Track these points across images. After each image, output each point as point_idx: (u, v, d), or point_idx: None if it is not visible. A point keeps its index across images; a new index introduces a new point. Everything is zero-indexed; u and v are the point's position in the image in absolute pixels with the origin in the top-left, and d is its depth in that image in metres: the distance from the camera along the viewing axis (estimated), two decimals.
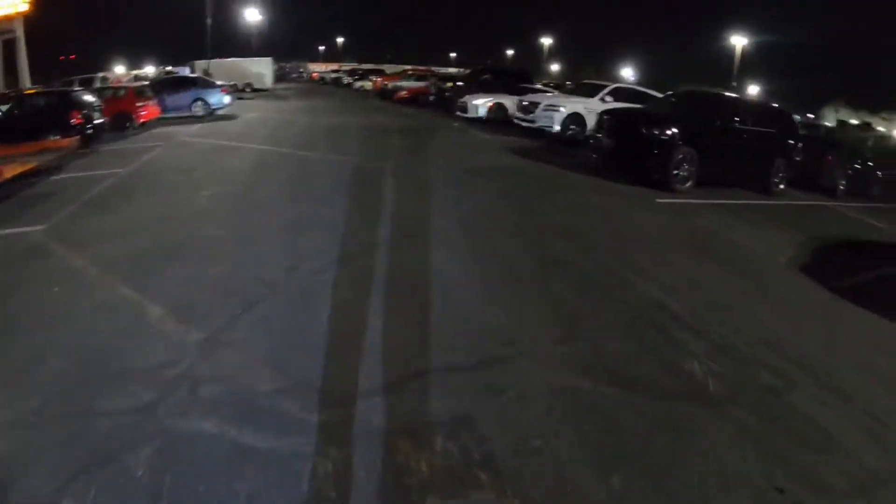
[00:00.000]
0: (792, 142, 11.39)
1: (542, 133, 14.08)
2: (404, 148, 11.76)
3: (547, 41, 64.07)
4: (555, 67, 66.17)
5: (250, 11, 50.25)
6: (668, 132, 9.11)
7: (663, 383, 3.55)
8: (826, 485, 2.80)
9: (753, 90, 42.01)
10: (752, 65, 43.42)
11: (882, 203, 14.34)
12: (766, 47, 44.09)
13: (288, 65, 70.53)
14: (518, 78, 20.36)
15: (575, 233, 6.52)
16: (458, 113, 18.32)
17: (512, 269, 5.22)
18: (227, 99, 18.98)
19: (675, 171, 9.28)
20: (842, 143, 14.50)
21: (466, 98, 18.21)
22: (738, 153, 10.31)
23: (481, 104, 17.60)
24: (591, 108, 13.77)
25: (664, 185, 9.35)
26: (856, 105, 46.28)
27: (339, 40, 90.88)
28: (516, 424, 3.00)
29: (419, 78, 31.91)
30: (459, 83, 22.21)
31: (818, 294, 5.63)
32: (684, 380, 3.62)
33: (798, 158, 11.58)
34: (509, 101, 17.44)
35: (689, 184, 9.53)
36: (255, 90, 34.50)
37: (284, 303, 4.23)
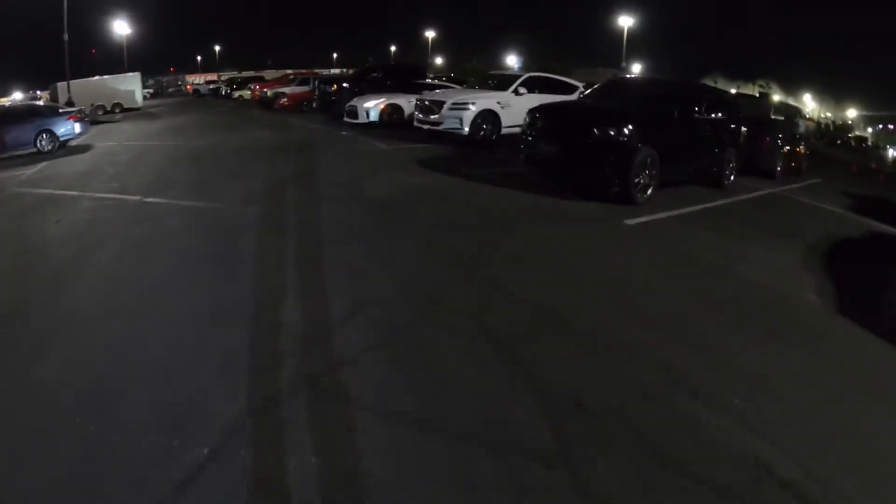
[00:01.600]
0: (737, 128, 9.55)
1: (450, 136, 11.38)
2: (285, 176, 8.64)
3: (430, 34, 61.54)
4: (439, 61, 63.87)
5: (119, 24, 43.78)
6: (627, 131, 6.74)
7: None
8: None
9: (637, 68, 41.86)
10: (632, 42, 43.28)
11: (812, 178, 13.41)
12: (645, 23, 44.07)
13: (165, 78, 64.65)
14: (411, 73, 17.58)
15: (558, 312, 4.04)
16: (347, 119, 15.26)
17: (502, 446, 2.62)
18: (77, 127, 15.04)
19: (637, 180, 6.94)
20: (775, 122, 13.05)
21: (355, 101, 15.19)
22: (695, 148, 8.31)
23: (372, 107, 14.67)
24: (504, 103, 11.33)
25: (624, 197, 7.02)
26: (732, 75, 47.81)
27: (217, 48, 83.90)
28: None
29: (301, 82, 28.24)
30: (345, 84, 19.02)
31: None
32: None
33: (743, 145, 9.87)
34: (405, 101, 14.72)
35: (649, 191, 7.30)
36: (125, 109, 29.71)
37: None
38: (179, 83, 59.45)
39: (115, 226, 6.22)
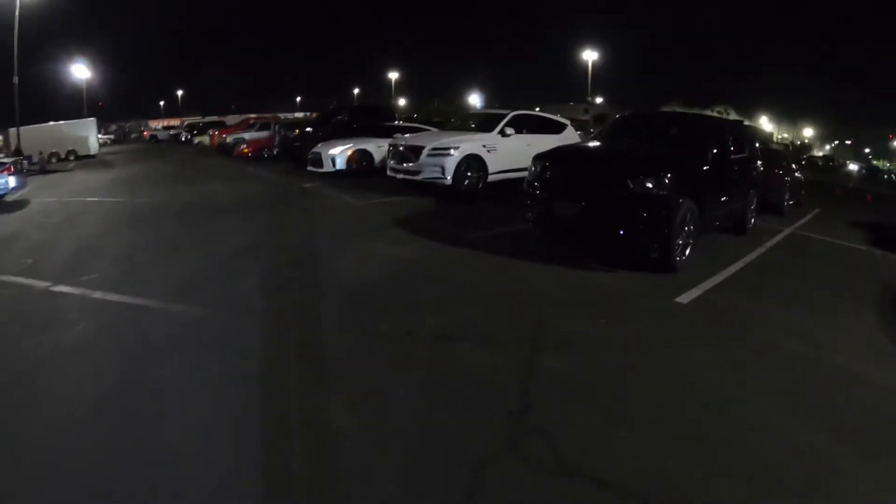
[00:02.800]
0: (759, 164, 8.24)
1: (427, 186, 9.74)
2: (235, 249, 6.75)
3: (393, 75, 60.75)
4: (402, 102, 62.99)
5: (78, 68, 41.60)
6: (667, 182, 5.19)
7: None
8: None
9: (599, 99, 41.42)
10: (592, 74, 42.98)
11: (812, 208, 12.50)
12: (603, 56, 43.95)
13: (128, 124, 62.29)
14: (379, 115, 16.01)
15: None
16: (311, 167, 13.50)
17: None
18: (12, 181, 12.96)
19: (678, 241, 5.41)
20: (779, 153, 11.90)
21: (319, 147, 13.47)
22: (728, 194, 6.89)
23: (338, 153, 12.97)
24: (490, 146, 9.75)
25: (663, 263, 5.47)
26: (690, 102, 47.79)
27: (179, 93, 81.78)
28: None
29: (262, 127, 26.47)
30: (308, 129, 17.34)
31: None
32: None
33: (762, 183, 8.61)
34: (374, 146, 13.11)
35: (687, 252, 5.76)
36: (79, 157, 27.59)
37: None
38: (142, 128, 57.30)
39: None
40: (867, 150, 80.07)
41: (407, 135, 11.54)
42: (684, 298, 4.96)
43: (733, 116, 45.63)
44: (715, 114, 46.93)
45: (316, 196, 10.69)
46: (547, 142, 10.81)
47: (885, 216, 14.08)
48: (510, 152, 9.86)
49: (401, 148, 10.04)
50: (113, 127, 59.14)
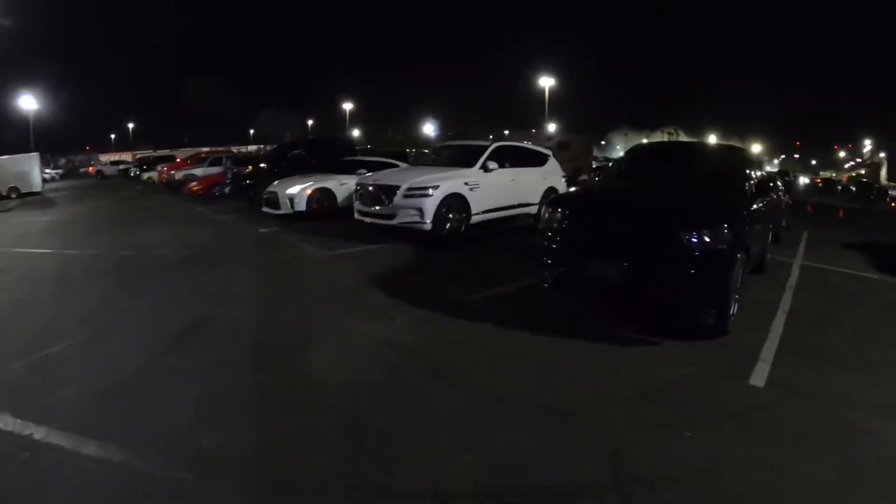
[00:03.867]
0: (774, 195, 7.41)
1: (401, 230, 8.50)
2: (175, 332, 5.16)
3: (348, 106, 59.62)
4: (356, 133, 61.90)
5: (25, 99, 38.92)
6: (724, 233, 4.13)
7: None
8: None
9: (552, 126, 41.31)
10: (541, 102, 43.06)
11: (798, 230, 12.03)
12: (554, 84, 44.08)
13: (77, 158, 59.69)
14: (341, 149, 14.71)
15: None
16: (266, 208, 12.05)
17: None
18: None
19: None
20: (775, 177, 11.25)
21: (276, 186, 12.05)
22: (760, 234, 5.92)
23: (297, 193, 11.56)
24: (473, 184, 8.59)
25: (717, 328, 4.38)
26: (640, 125, 48.44)
27: (130, 126, 78.65)
28: None
29: (214, 161, 24.72)
30: (262, 164, 15.88)
31: None
32: None
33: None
34: (336, 184, 11.81)
35: (735, 308, 4.72)
36: (21, 195, 25.53)
37: None
38: (93, 162, 54.99)
39: None
40: (814, 162, 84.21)
41: (380, 172, 10.27)
42: (758, 380, 3.88)
43: (683, 138, 46.25)
44: (665, 136, 47.61)
45: (273, 245, 9.25)
46: (532, 175, 9.81)
47: (868, 234, 13.77)
48: (494, 189, 8.78)
49: (370, 188, 8.75)
50: (62, 161, 56.02)
